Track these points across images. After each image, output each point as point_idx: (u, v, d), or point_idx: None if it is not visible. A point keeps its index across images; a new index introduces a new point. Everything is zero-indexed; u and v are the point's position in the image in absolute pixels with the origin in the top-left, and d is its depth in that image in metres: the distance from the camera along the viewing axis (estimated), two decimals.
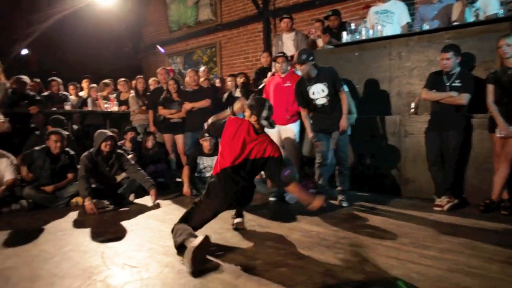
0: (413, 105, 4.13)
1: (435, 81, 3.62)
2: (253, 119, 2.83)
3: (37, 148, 4.18)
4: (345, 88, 3.89)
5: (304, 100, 3.87)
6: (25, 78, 5.58)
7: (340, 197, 3.83)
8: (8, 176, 3.92)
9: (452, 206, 3.50)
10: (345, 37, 4.79)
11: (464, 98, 3.42)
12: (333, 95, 3.73)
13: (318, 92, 3.74)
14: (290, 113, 4.48)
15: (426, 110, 4.01)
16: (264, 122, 2.83)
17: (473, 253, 2.42)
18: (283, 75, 4.54)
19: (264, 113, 2.80)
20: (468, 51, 3.82)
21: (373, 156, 4.41)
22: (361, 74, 4.64)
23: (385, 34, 4.55)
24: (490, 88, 3.39)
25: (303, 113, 3.98)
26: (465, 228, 2.98)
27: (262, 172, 4.40)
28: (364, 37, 4.62)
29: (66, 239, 2.93)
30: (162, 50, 9.26)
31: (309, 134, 3.92)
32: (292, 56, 5.17)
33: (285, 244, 2.66)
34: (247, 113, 2.87)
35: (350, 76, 4.64)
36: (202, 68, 6.73)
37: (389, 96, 4.45)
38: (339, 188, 3.88)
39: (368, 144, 4.43)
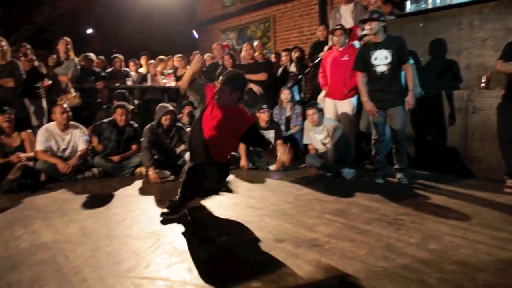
0: (484, 78, 3.83)
1: None
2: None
3: (105, 120, 4.49)
4: (411, 61, 3.69)
5: (364, 65, 3.70)
6: (92, 56, 5.95)
7: (398, 175, 3.71)
8: (81, 146, 4.26)
9: None
10: (409, 6, 4.50)
11: None
12: (396, 65, 3.55)
13: (381, 59, 3.57)
14: (348, 87, 4.36)
15: (499, 85, 3.70)
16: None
17: None
18: (340, 49, 4.41)
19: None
20: None
21: (436, 133, 4.19)
22: (426, 46, 4.35)
23: (454, 1, 4.21)
24: None
25: (360, 78, 3.73)
26: None
27: (317, 147, 4.40)
28: (430, 6, 4.31)
29: (134, 204, 3.16)
30: (196, 35, 9.34)
31: (364, 100, 3.70)
32: (350, 29, 4.98)
33: (344, 218, 2.65)
34: None
35: (414, 49, 4.37)
36: (256, 42, 6.71)
37: (456, 70, 4.15)
38: (396, 166, 3.75)
39: (431, 120, 4.20)
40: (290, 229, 2.47)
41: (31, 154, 4.04)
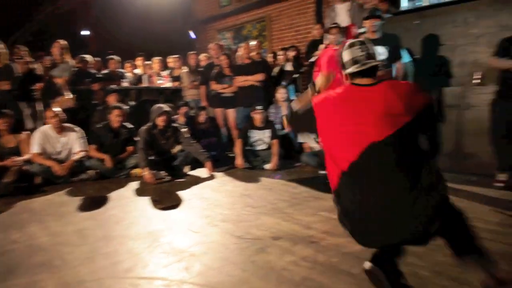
0: (478, 75, 3.85)
1: (507, 48, 3.32)
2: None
3: (98, 126, 4.47)
4: (406, 58, 3.72)
5: None
6: (88, 57, 5.94)
7: None
8: (77, 148, 4.25)
9: None
10: (404, 4, 4.52)
11: None
12: (391, 62, 3.58)
13: (377, 55, 3.60)
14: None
15: (492, 81, 3.72)
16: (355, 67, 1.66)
17: None
18: (336, 47, 4.41)
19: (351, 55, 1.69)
20: None
21: None
22: (421, 44, 4.37)
23: None
24: None
25: None
26: None
27: (312, 145, 4.41)
28: (425, 4, 4.33)
29: (132, 205, 3.16)
30: (193, 35, 9.34)
31: None
32: (346, 27, 5.00)
33: None
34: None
35: (409, 46, 4.39)
36: (254, 42, 6.72)
37: (451, 66, 4.18)
38: None
39: None
40: (287, 226, 2.48)
41: (26, 157, 4.03)
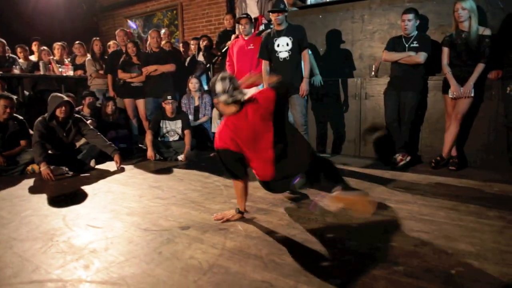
0: (373, 67, 4.23)
1: (395, 43, 3.73)
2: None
3: None
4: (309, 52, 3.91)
5: (268, 52, 3.85)
6: None
7: None
8: None
9: (406, 164, 3.70)
10: None
11: (421, 57, 3.56)
12: (296, 52, 3.75)
13: (283, 45, 3.75)
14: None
15: (386, 73, 4.13)
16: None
17: (424, 203, 2.60)
18: (246, 38, 4.47)
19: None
20: (426, 15, 3.93)
21: (335, 118, 4.52)
22: (325, 37, 4.66)
23: None
24: (445, 50, 3.52)
25: (264, 66, 3.91)
26: (418, 182, 3.18)
27: None
28: (328, 0, 4.61)
29: (24, 205, 2.83)
30: (133, 25, 8.77)
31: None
32: (256, 18, 5.08)
33: (250, 201, 2.67)
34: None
35: (314, 39, 4.65)
36: (163, 31, 6.47)
37: (351, 59, 4.52)
38: None
39: (330, 106, 4.52)
40: (196, 216, 2.45)
41: None
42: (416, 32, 3.65)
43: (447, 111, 3.61)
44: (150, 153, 4.37)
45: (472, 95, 3.37)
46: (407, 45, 3.63)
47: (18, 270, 1.77)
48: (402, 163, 3.70)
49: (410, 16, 3.58)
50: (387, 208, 2.52)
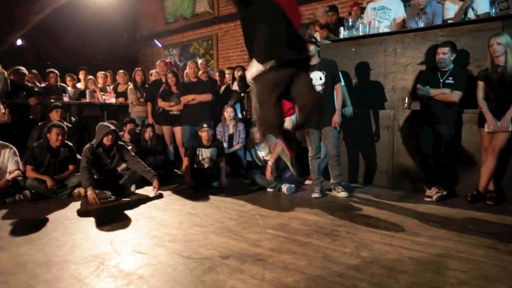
0: (406, 100, 4.28)
1: (429, 77, 3.77)
2: None
3: (35, 144, 4.23)
4: (342, 82, 4.03)
5: None
6: (23, 69, 5.63)
7: (338, 189, 3.98)
8: (11, 167, 3.99)
9: (441, 197, 3.68)
10: (343, 32, 4.90)
11: (456, 96, 3.58)
12: (329, 85, 3.88)
13: (316, 79, 3.88)
14: (287, 106, 4.59)
15: (418, 106, 4.17)
16: None
17: (461, 239, 2.59)
18: None
19: None
20: (461, 49, 3.97)
21: (367, 148, 4.56)
22: (357, 69, 4.77)
23: (381, 30, 4.68)
24: (481, 85, 3.54)
25: None
26: (453, 217, 3.16)
27: (259, 163, 4.56)
28: (361, 33, 4.74)
29: (74, 227, 3.04)
30: (159, 44, 9.30)
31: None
32: None
33: (285, 232, 2.80)
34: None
35: (347, 71, 4.77)
36: (200, 61, 6.80)
37: (383, 91, 4.60)
38: (332, 181, 4.03)
39: (362, 137, 4.58)
40: (235, 245, 2.55)
41: None
42: (452, 65, 3.68)
43: (483, 145, 3.59)
44: (187, 179, 4.56)
45: (510, 129, 3.35)
46: (441, 80, 3.66)
47: None
48: (437, 196, 3.68)
49: (446, 49, 3.61)
50: (421, 243, 2.53)
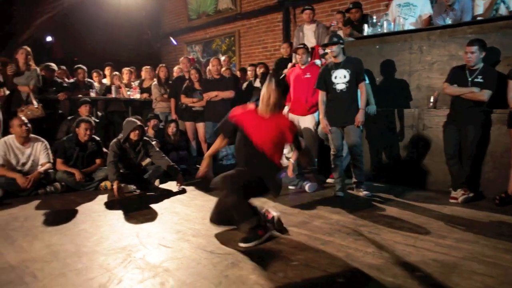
0: (432, 99, 4.20)
1: (457, 75, 3.66)
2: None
3: (64, 138, 4.40)
4: (366, 80, 3.99)
5: (325, 84, 3.96)
6: (53, 66, 5.83)
7: (360, 188, 3.96)
8: (43, 159, 4.16)
9: (467, 199, 3.60)
10: (366, 29, 4.84)
11: (485, 95, 3.46)
12: (353, 84, 3.83)
13: (340, 77, 3.85)
14: (310, 104, 4.59)
15: (445, 104, 4.08)
16: None
17: (487, 243, 2.54)
18: (303, 67, 4.64)
19: None
20: (491, 46, 3.84)
21: (390, 148, 4.51)
22: (381, 67, 4.70)
23: (406, 27, 4.60)
24: (511, 84, 3.44)
25: (321, 96, 4.02)
26: (480, 220, 3.09)
27: (284, 161, 4.58)
28: (385, 30, 4.67)
29: (101, 220, 3.15)
30: (174, 41, 9.43)
31: (320, 117, 4.03)
32: (312, 48, 5.26)
33: (307, 230, 2.82)
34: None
35: (371, 69, 4.71)
36: (223, 58, 6.86)
37: (408, 90, 4.52)
38: (354, 179, 4.01)
39: (386, 136, 4.52)
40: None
41: None
42: (482, 64, 3.55)
43: None
44: (209, 175, 4.61)
45: None
46: (470, 79, 3.55)
47: (105, 282, 2.01)
48: (463, 197, 3.60)
49: (474, 48, 3.48)
50: (446, 246, 2.49)
